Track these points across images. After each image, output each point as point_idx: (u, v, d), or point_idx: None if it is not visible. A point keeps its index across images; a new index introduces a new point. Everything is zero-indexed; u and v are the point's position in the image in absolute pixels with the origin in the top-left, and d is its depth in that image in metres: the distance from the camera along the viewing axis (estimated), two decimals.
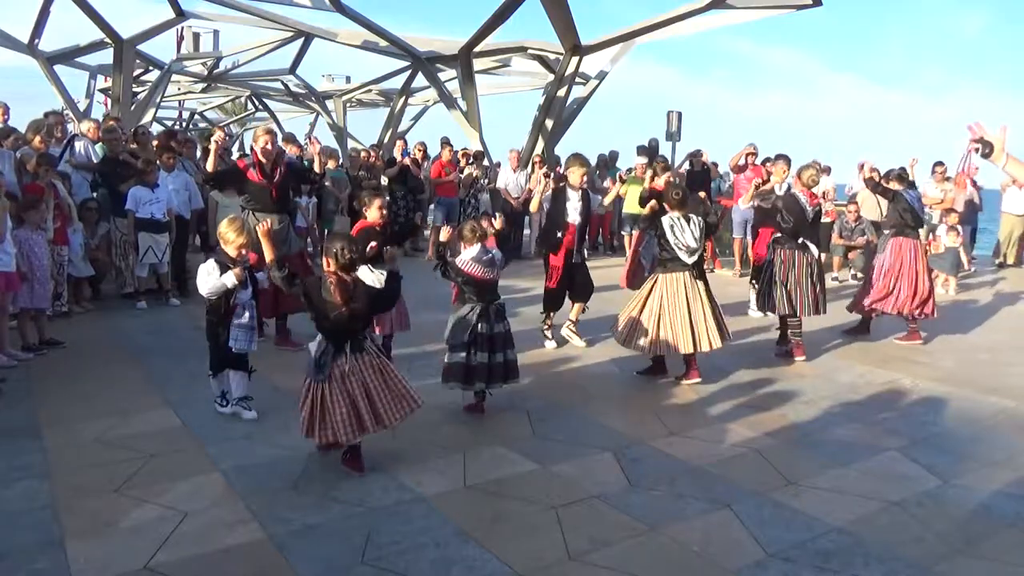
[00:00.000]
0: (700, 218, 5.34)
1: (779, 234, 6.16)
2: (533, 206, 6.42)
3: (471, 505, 3.44)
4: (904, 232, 6.73)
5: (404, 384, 3.79)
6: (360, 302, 3.62)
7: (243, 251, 4.43)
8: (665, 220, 5.25)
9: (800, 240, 6.03)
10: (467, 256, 4.64)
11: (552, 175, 6.21)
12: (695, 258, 5.21)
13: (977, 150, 3.30)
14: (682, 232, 5.17)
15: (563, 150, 14.02)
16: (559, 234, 6.07)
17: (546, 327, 6.34)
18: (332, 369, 3.60)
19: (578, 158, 6.40)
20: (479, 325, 4.54)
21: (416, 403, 3.80)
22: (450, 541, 3.09)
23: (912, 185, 7.16)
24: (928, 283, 6.66)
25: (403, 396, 3.76)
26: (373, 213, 5.34)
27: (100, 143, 8.61)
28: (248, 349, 4.48)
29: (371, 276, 4.39)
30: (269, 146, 5.89)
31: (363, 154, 12.43)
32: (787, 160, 7.32)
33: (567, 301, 6.33)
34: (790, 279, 5.98)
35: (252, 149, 6.15)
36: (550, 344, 6.25)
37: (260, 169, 5.91)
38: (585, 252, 6.39)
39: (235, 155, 10.09)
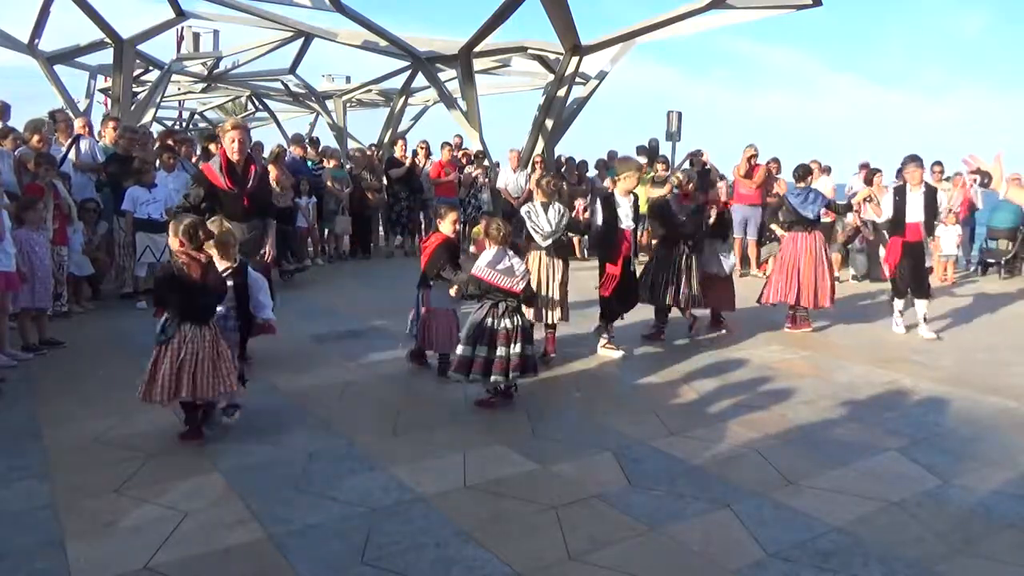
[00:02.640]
0: (562, 207, 5.78)
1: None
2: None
3: (471, 505, 3.43)
4: (794, 228, 7.12)
5: (230, 366, 4.04)
6: (212, 278, 3.98)
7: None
8: (524, 208, 5.78)
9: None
10: (483, 261, 4.66)
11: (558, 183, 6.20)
12: (549, 241, 5.64)
13: (975, 181, 3.37)
14: (538, 217, 5.61)
15: (563, 150, 14.06)
16: (614, 241, 5.98)
17: (605, 340, 6.14)
18: (175, 335, 3.88)
19: (628, 162, 6.29)
20: (487, 320, 4.60)
21: (232, 386, 4.04)
22: (450, 541, 3.09)
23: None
24: (824, 275, 7.00)
25: (224, 377, 3.99)
26: (447, 226, 5.36)
27: (103, 143, 8.63)
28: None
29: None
30: (236, 144, 5.10)
31: (368, 153, 12.47)
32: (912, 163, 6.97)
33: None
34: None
35: (221, 148, 5.35)
36: (616, 354, 6.04)
37: (229, 173, 5.12)
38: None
39: None
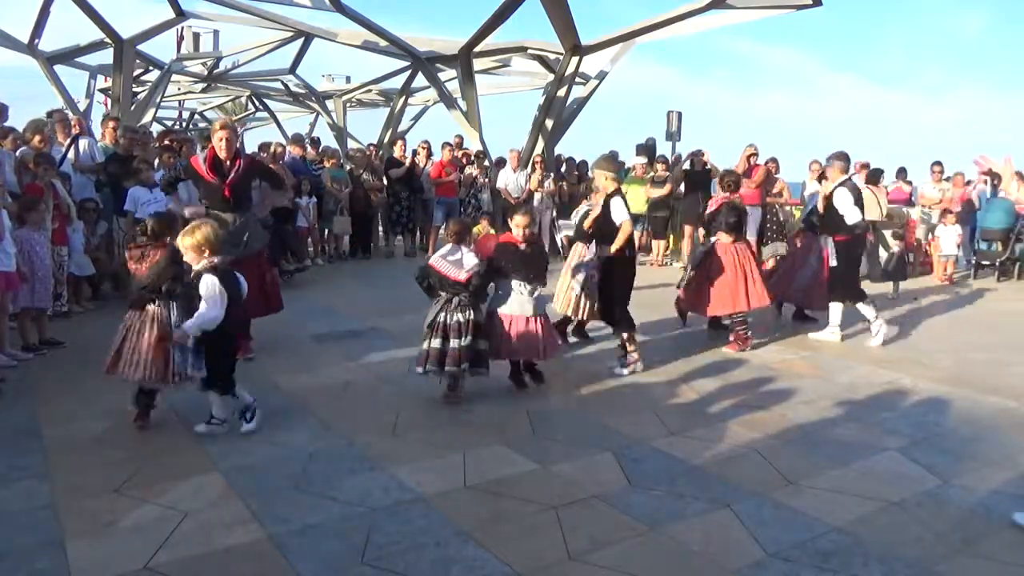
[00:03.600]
0: (585, 208, 6.30)
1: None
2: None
3: (471, 505, 3.44)
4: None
5: (159, 356, 4.12)
6: (136, 268, 4.19)
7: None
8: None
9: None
10: (437, 253, 4.88)
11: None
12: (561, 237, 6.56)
13: (985, 182, 3.43)
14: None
15: (563, 150, 14.08)
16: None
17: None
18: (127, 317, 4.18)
19: (606, 161, 5.95)
20: (441, 315, 4.72)
21: (157, 372, 4.14)
22: (450, 541, 3.09)
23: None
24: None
25: (146, 363, 4.11)
26: (515, 230, 5.09)
27: (103, 143, 8.62)
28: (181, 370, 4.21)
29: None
30: (223, 142, 5.46)
31: (367, 153, 12.47)
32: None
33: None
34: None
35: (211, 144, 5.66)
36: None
37: (213, 166, 5.49)
38: (587, 270, 5.86)
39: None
